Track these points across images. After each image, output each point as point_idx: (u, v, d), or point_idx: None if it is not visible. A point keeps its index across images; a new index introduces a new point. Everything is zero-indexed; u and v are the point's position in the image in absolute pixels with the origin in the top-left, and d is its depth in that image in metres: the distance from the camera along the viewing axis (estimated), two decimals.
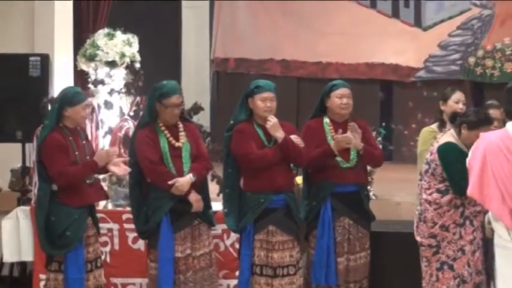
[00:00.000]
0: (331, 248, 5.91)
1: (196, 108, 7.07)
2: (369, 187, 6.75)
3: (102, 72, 7.97)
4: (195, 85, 11.93)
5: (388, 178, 8.47)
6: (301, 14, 12.12)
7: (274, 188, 5.75)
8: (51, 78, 7.94)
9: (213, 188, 6.61)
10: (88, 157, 5.79)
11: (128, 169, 5.80)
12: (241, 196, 5.83)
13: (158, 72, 8.09)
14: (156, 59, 10.44)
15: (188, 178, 5.68)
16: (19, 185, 7.61)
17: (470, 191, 4.48)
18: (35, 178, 6.50)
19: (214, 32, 12.53)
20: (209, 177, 6.35)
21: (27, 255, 6.95)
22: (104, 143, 7.72)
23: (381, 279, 6.27)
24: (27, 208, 6.99)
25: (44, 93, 7.55)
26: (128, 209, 6.42)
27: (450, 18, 11.81)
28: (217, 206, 6.15)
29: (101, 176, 6.34)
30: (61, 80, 8.35)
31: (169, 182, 5.62)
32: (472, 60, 11.63)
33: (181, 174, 5.69)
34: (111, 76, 7.98)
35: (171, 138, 5.74)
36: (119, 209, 6.92)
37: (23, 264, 7.43)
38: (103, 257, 6.38)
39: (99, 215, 6.16)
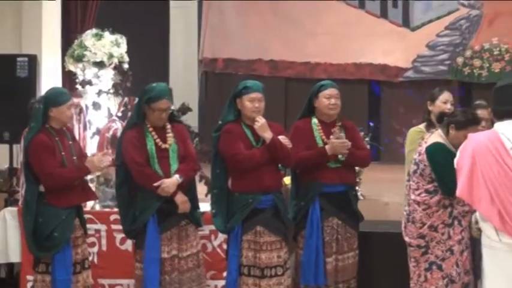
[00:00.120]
0: (320, 248, 5.91)
1: (184, 109, 7.06)
2: (356, 187, 6.74)
3: (90, 72, 7.95)
4: (183, 85, 11.90)
5: (376, 178, 8.49)
6: (289, 14, 12.14)
7: (262, 188, 5.74)
8: (38, 78, 7.91)
9: (201, 188, 6.60)
10: (75, 157, 5.77)
11: (110, 157, 5.82)
12: (229, 197, 5.81)
13: (146, 73, 8.09)
14: (144, 59, 10.42)
15: (175, 179, 5.66)
16: (6, 186, 7.59)
17: (460, 192, 4.47)
18: (22, 179, 6.47)
19: (202, 32, 12.53)
20: (197, 178, 6.33)
21: (15, 257, 6.91)
22: (91, 143, 7.69)
23: (368, 279, 6.28)
24: (14, 209, 6.95)
25: (31, 94, 7.53)
26: (116, 210, 6.39)
27: (438, 18, 11.86)
28: (205, 206, 6.14)
29: (89, 177, 6.32)
30: (49, 80, 8.33)
31: (155, 184, 5.61)
32: (460, 60, 11.68)
33: (168, 175, 5.67)
34: (99, 77, 7.96)
35: (158, 140, 5.72)
36: (107, 209, 6.90)
37: (10, 266, 7.39)
38: (90, 258, 6.36)
39: (86, 216, 6.15)
